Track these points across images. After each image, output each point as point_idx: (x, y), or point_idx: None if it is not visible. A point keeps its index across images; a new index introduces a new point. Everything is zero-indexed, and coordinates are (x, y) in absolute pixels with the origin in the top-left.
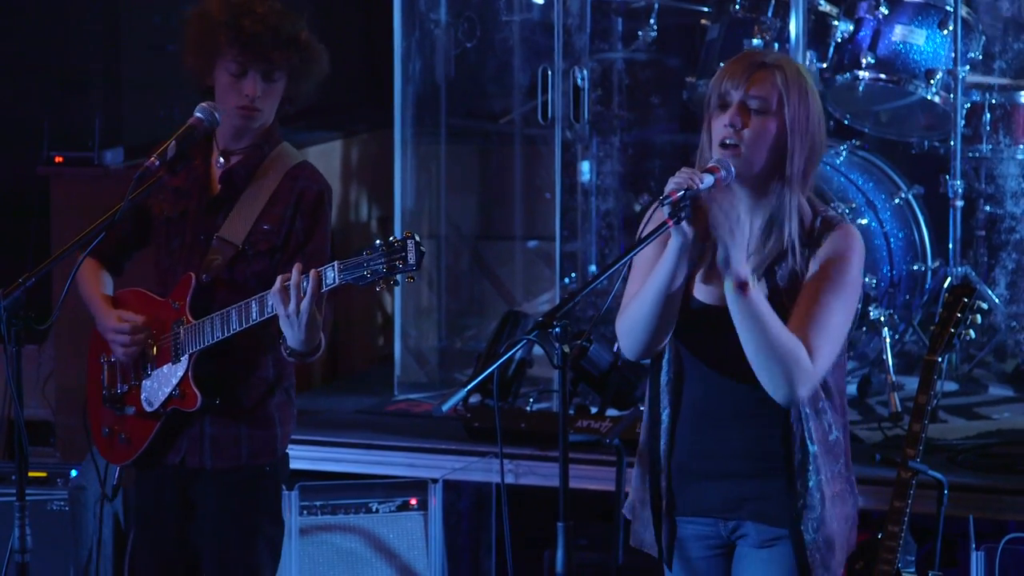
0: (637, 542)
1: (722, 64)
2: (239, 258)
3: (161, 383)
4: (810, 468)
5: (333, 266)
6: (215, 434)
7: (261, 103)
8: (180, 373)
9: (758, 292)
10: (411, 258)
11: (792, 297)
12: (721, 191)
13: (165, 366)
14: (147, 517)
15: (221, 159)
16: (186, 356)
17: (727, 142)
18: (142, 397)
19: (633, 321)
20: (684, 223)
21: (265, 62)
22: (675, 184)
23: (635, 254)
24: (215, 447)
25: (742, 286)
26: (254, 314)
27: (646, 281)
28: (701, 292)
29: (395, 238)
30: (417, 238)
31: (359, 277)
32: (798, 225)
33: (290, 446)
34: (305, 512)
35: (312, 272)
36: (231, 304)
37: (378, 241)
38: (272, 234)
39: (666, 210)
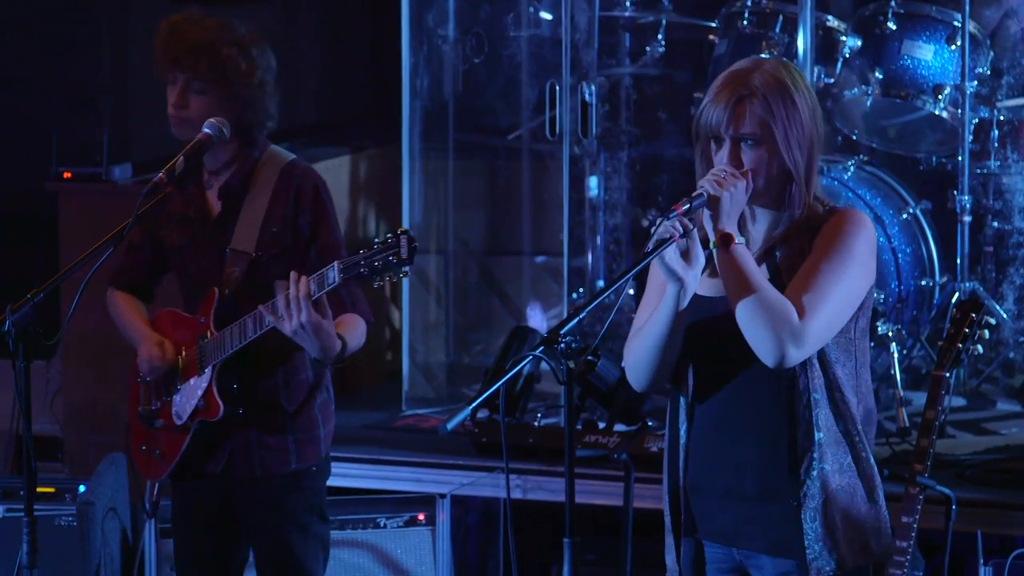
0: (669, 572)
1: (714, 82)
2: (255, 265)
3: (189, 396)
4: (814, 456)
5: (334, 266)
6: (265, 442)
7: (185, 112)
8: (204, 385)
9: (743, 248)
10: (403, 252)
11: (791, 277)
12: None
13: (192, 379)
14: (186, 528)
15: (211, 179)
16: (209, 367)
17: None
18: (172, 411)
19: (636, 359)
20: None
21: (178, 69)
22: (670, 221)
23: (639, 268)
24: (264, 455)
25: (725, 238)
26: (267, 321)
27: (648, 321)
28: (705, 287)
29: (390, 234)
30: (410, 233)
31: (358, 275)
32: (805, 219)
33: None
34: None
35: (302, 280)
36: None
37: (376, 239)
38: (281, 235)
39: (669, 224)
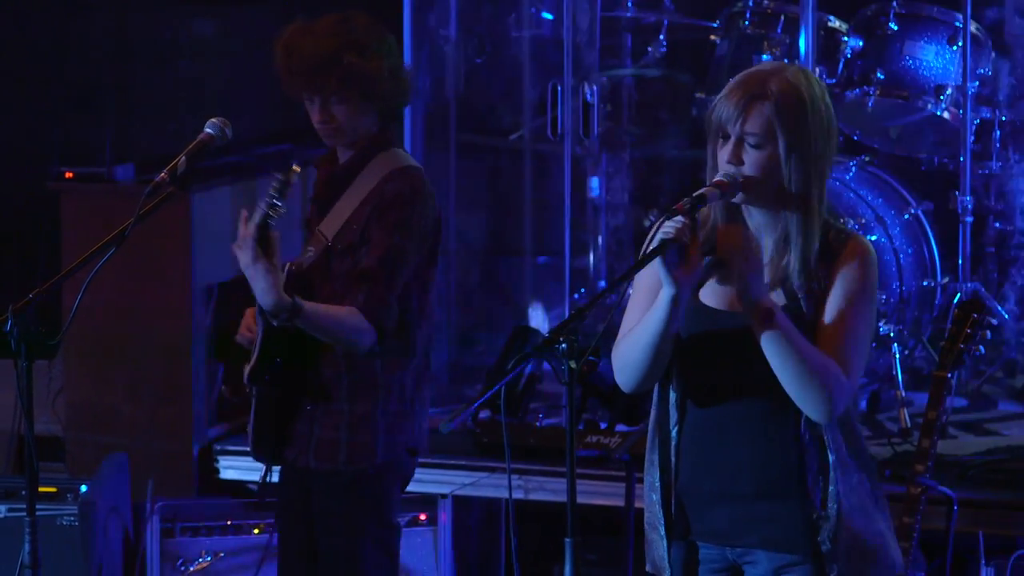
0: (652, 567)
1: (731, 79)
2: (328, 253)
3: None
4: (830, 476)
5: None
6: (320, 436)
7: (333, 124)
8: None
9: (784, 317)
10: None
11: (809, 305)
12: (727, 226)
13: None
14: (280, 511)
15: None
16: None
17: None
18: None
19: (625, 360)
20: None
21: (310, 91)
22: (673, 222)
23: (641, 268)
24: (319, 449)
25: (768, 315)
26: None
27: (639, 323)
28: (708, 297)
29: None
30: (295, 168)
31: (262, 213)
32: (813, 240)
33: None
34: None
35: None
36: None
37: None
38: (353, 233)
39: (673, 225)
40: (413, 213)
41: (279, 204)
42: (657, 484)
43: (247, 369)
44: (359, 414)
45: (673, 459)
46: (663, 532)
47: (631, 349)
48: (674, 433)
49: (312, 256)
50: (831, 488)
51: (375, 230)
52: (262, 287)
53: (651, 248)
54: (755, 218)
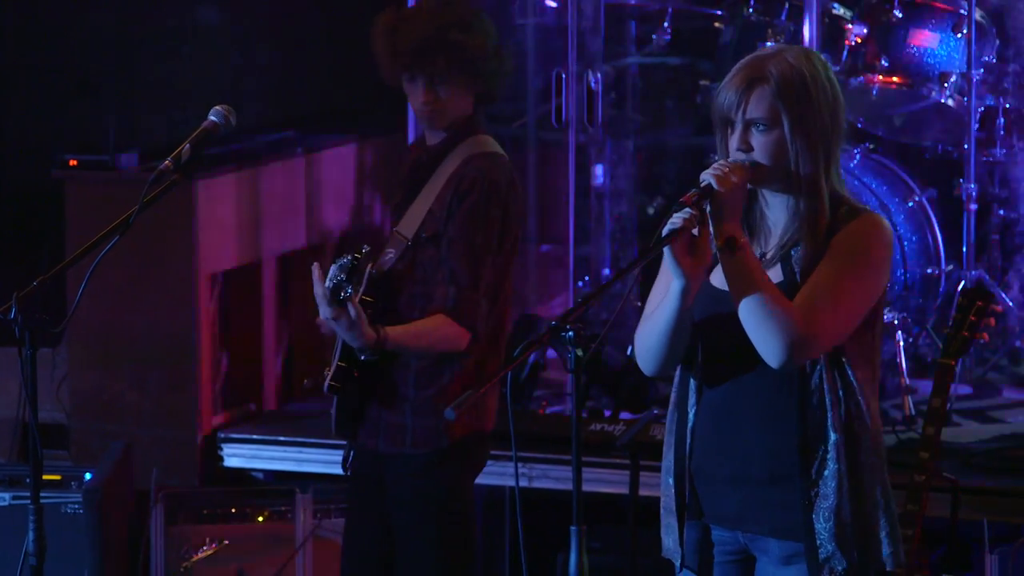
0: (666, 551)
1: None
2: (409, 250)
3: None
4: (829, 456)
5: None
6: (388, 420)
7: (437, 104)
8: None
9: (748, 250)
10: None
11: (804, 278)
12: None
13: None
14: (351, 492)
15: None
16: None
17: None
18: None
19: (643, 346)
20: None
21: (416, 71)
22: (681, 212)
23: (648, 259)
24: (386, 433)
25: (730, 241)
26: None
27: (656, 310)
28: (718, 279)
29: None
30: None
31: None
32: (821, 216)
33: (303, 450)
34: (319, 515)
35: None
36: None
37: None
38: (437, 220)
39: (681, 216)
40: (489, 204)
41: (345, 287)
42: (672, 466)
43: (326, 382)
44: (424, 398)
45: (688, 440)
46: (677, 514)
47: (648, 335)
48: (691, 414)
49: (392, 257)
50: (832, 466)
51: (455, 223)
52: (347, 337)
53: (658, 239)
54: (767, 199)
